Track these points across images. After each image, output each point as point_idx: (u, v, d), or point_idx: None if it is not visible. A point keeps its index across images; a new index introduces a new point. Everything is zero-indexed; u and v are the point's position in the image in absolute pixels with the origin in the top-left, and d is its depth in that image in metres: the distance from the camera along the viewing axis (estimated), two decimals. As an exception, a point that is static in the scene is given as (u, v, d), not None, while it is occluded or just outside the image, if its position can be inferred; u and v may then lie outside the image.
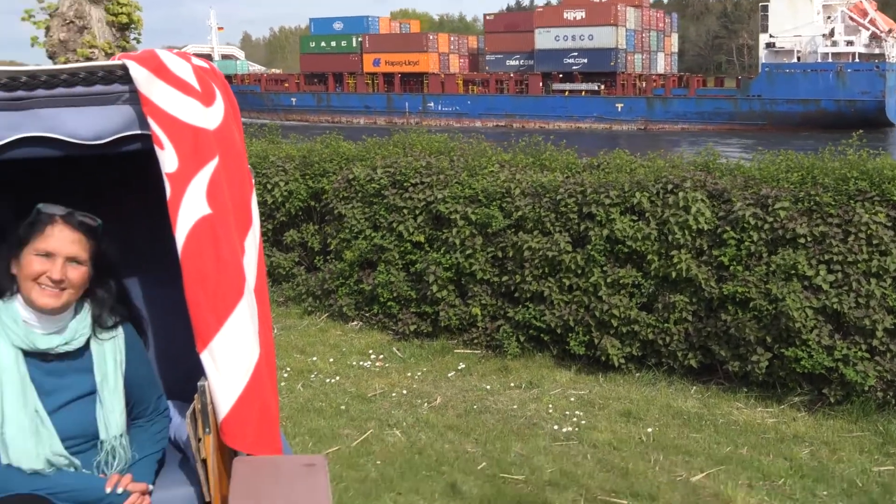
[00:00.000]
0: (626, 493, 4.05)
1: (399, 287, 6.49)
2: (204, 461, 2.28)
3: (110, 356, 2.32)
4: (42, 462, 2.18)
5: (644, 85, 49.25)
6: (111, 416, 2.30)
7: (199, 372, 2.28)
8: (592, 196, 5.76)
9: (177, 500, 2.41)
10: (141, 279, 2.84)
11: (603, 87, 47.95)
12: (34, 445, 2.17)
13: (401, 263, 6.58)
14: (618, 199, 5.70)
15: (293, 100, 56.18)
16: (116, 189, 2.72)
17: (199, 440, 2.26)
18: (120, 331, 2.36)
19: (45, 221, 2.20)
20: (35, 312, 2.20)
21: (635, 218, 5.69)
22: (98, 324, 2.31)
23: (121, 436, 2.33)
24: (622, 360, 5.67)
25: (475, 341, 6.26)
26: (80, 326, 2.27)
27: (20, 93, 2.14)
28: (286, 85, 57.87)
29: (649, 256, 5.58)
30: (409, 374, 5.81)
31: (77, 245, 2.22)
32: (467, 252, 6.17)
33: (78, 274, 2.22)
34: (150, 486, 2.33)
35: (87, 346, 2.30)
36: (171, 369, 2.62)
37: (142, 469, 2.35)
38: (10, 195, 2.69)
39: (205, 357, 2.24)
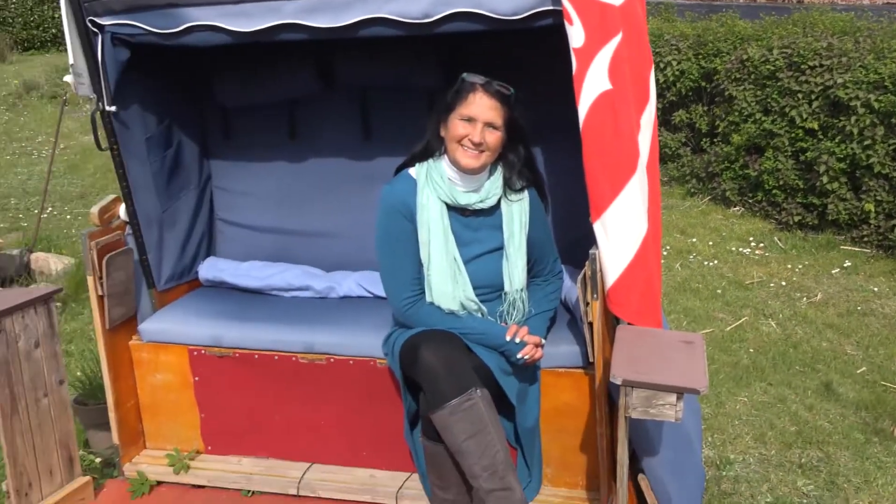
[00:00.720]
0: None
1: (786, 175, 5.93)
2: (590, 324, 2.36)
3: (517, 216, 2.47)
4: (457, 304, 2.44)
5: None
6: (515, 270, 2.48)
7: (590, 240, 2.34)
8: None
9: (563, 356, 2.56)
10: (544, 148, 2.96)
11: None
12: (452, 289, 2.43)
13: (790, 150, 5.98)
14: None
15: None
16: (527, 62, 2.81)
17: (587, 304, 2.34)
18: (526, 194, 2.49)
19: (468, 89, 2.36)
20: (458, 172, 2.41)
21: None
22: (508, 185, 2.46)
23: (521, 290, 2.50)
24: None
25: (865, 239, 5.56)
26: (492, 187, 2.44)
27: None
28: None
29: None
30: (789, 266, 5.38)
31: (494, 111, 2.35)
32: (865, 143, 5.38)
33: (494, 138, 2.36)
34: (543, 340, 2.50)
35: (497, 205, 2.47)
36: (566, 235, 2.73)
37: (536, 324, 2.52)
38: (437, 64, 2.95)
39: (597, 227, 2.28)
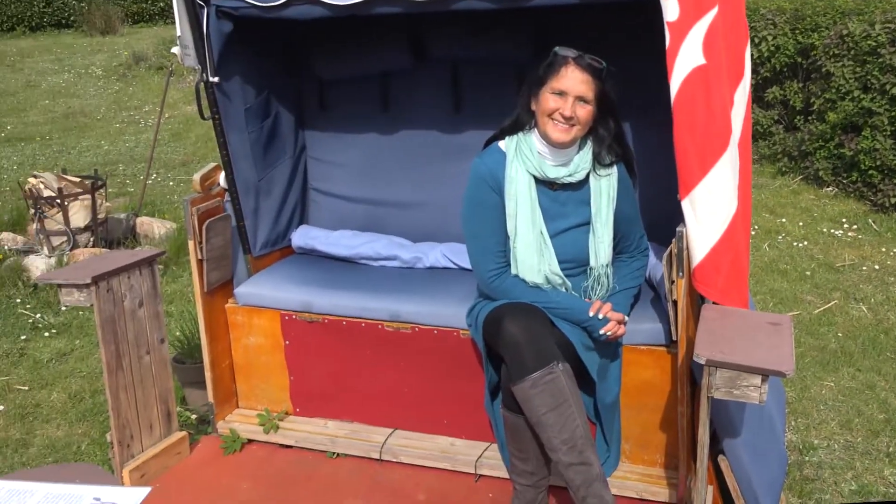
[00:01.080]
0: None
1: (884, 155, 5.62)
2: (675, 302, 2.31)
3: (605, 191, 2.43)
4: (542, 277, 2.43)
5: None
6: (601, 245, 2.44)
7: (677, 217, 2.28)
8: None
9: (646, 334, 2.52)
10: (634, 123, 2.89)
11: None
12: (537, 262, 2.41)
13: (889, 130, 5.66)
14: None
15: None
16: (619, 37, 2.74)
17: (672, 282, 2.29)
18: (615, 169, 2.44)
19: (560, 63, 2.32)
20: (547, 145, 2.38)
21: None
22: (597, 160, 2.42)
23: (607, 265, 2.47)
24: None
25: (966, 223, 5.25)
26: (582, 161, 2.40)
27: None
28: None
29: None
30: (883, 249, 5.13)
31: (585, 85, 2.30)
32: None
33: (585, 112, 2.32)
34: (626, 317, 2.46)
35: (586, 180, 2.44)
36: (653, 212, 2.67)
37: (620, 300, 2.48)
38: (528, 37, 2.91)
39: (685, 204, 2.23)
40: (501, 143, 2.47)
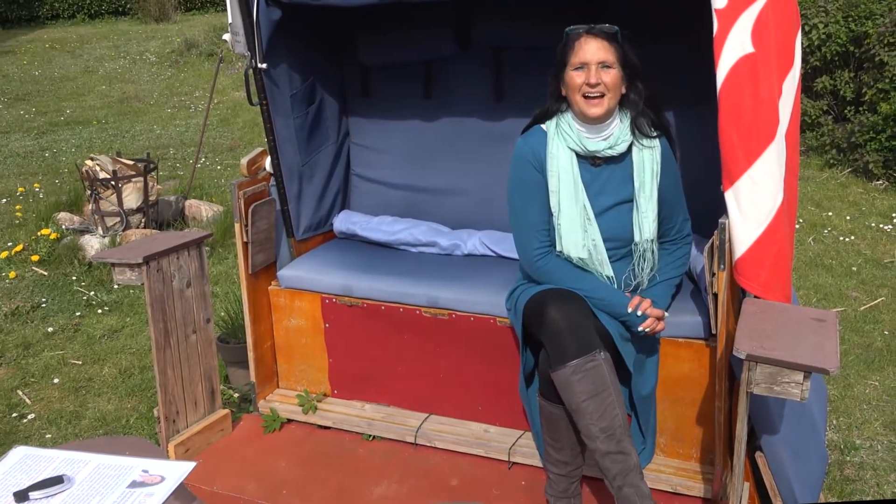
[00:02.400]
0: None
1: (941, 148, 5.41)
2: (715, 295, 2.26)
3: (648, 164, 2.36)
4: (586, 252, 2.38)
5: None
6: (645, 221, 2.37)
7: (720, 208, 2.21)
8: None
9: (685, 327, 2.46)
10: (679, 111, 2.82)
11: None
12: (581, 237, 2.37)
13: (948, 122, 5.45)
14: None
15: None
16: (666, 23, 2.67)
17: (713, 275, 2.23)
18: (657, 143, 2.38)
19: (574, 38, 2.30)
20: (584, 124, 2.34)
21: None
22: (637, 128, 2.36)
23: (652, 241, 2.40)
24: None
25: None
26: (621, 133, 2.35)
27: None
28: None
29: None
30: (936, 246, 4.94)
31: (603, 51, 2.27)
32: None
33: (610, 76, 2.28)
34: (666, 313, 2.40)
35: (628, 153, 2.38)
36: (696, 202, 2.60)
37: (660, 293, 2.42)
38: (574, 25, 2.85)
39: (729, 195, 2.16)
40: (543, 125, 2.43)
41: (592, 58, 2.26)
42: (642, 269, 2.42)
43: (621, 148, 2.34)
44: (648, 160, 2.35)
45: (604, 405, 2.18)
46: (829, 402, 3.22)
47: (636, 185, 2.36)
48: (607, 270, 2.40)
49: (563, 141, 2.36)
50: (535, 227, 2.41)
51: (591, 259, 2.38)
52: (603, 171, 2.38)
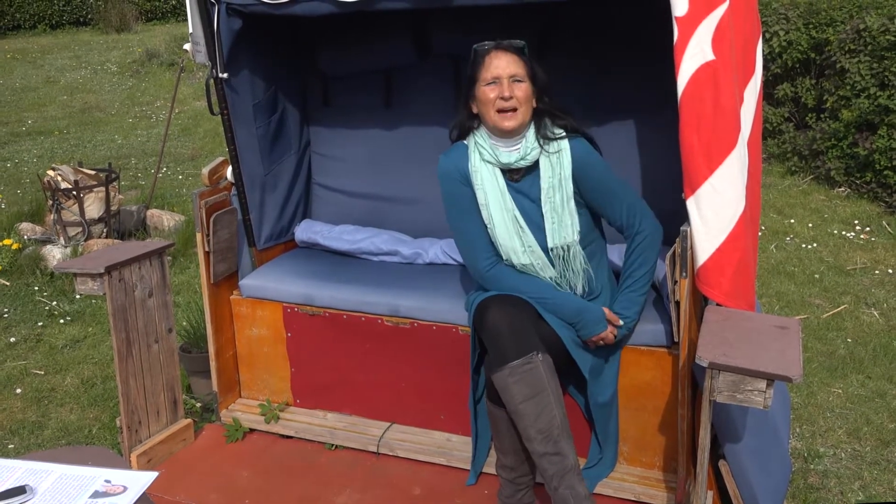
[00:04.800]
0: None
1: (901, 155, 5.49)
2: (677, 303, 2.25)
3: (556, 169, 2.32)
4: (526, 258, 2.37)
5: None
6: (557, 225, 2.34)
7: (679, 216, 2.21)
8: None
9: (647, 334, 2.46)
10: (639, 119, 2.83)
11: None
12: (519, 244, 2.36)
13: (907, 129, 5.53)
14: None
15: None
16: (624, 31, 2.68)
17: (675, 283, 2.22)
18: (566, 144, 2.33)
19: (483, 55, 2.30)
20: (498, 137, 2.34)
21: None
22: (541, 135, 2.34)
23: (569, 246, 2.35)
24: None
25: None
26: (529, 143, 2.33)
27: None
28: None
29: None
30: (897, 253, 5.01)
31: (514, 65, 2.27)
32: None
33: (522, 90, 2.27)
34: (621, 322, 2.38)
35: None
36: (657, 210, 2.58)
37: (622, 301, 2.40)
38: (533, 33, 2.84)
39: (690, 203, 2.16)
40: (464, 141, 2.43)
41: (504, 72, 2.26)
42: (572, 277, 2.39)
43: (533, 157, 2.33)
44: (556, 165, 2.32)
45: (541, 407, 2.18)
46: (793, 410, 3.24)
47: (542, 191, 2.34)
48: (549, 273, 2.39)
49: (480, 156, 2.36)
50: (477, 240, 2.41)
51: (533, 265, 2.37)
52: (524, 184, 2.38)
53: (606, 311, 2.37)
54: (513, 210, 2.35)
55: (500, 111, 2.27)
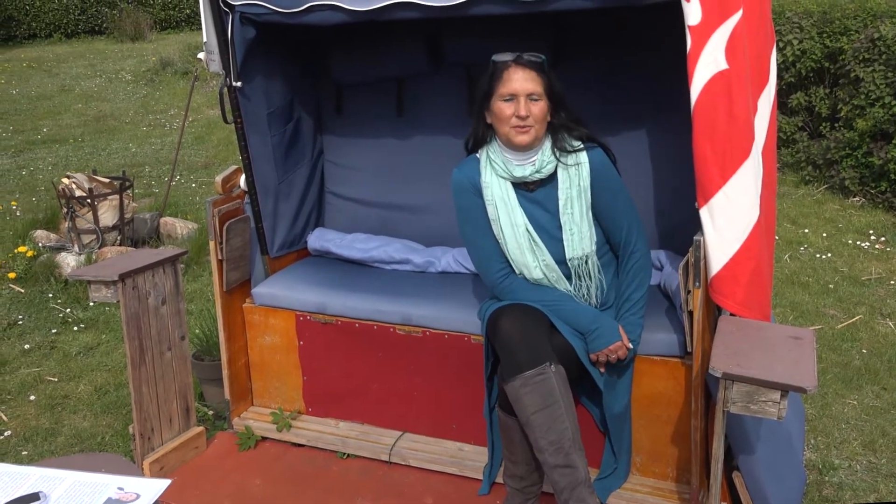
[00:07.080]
0: None
1: (917, 165, 5.46)
2: (690, 313, 2.24)
3: (574, 181, 2.33)
4: (539, 273, 2.37)
5: None
6: (574, 237, 2.35)
7: (692, 225, 2.20)
8: None
9: (660, 344, 2.44)
10: (652, 128, 2.83)
11: None
12: (531, 259, 2.36)
13: (923, 139, 5.49)
14: None
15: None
16: (637, 41, 2.68)
17: (689, 292, 2.22)
18: (584, 157, 2.34)
19: (502, 68, 2.29)
20: (512, 151, 2.33)
21: None
22: (558, 147, 2.34)
23: (586, 257, 2.36)
24: None
25: None
26: (545, 156, 2.33)
27: None
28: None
29: None
30: (913, 263, 4.97)
31: (532, 82, 2.26)
32: None
33: (538, 108, 2.27)
34: (630, 345, 2.37)
35: (557, 173, 2.36)
36: (670, 219, 2.59)
37: (625, 324, 2.39)
38: (546, 42, 2.85)
39: (704, 212, 2.15)
40: (477, 154, 2.44)
41: (522, 89, 2.25)
42: (588, 287, 2.40)
43: (549, 170, 2.33)
44: (574, 175, 2.33)
45: (553, 418, 2.17)
46: (807, 422, 3.21)
47: (560, 203, 2.34)
48: (563, 286, 2.40)
49: (493, 171, 2.36)
50: (491, 252, 2.41)
51: (547, 279, 2.38)
52: (538, 195, 2.38)
53: (620, 328, 2.36)
54: (524, 225, 2.35)
55: (512, 126, 2.27)
